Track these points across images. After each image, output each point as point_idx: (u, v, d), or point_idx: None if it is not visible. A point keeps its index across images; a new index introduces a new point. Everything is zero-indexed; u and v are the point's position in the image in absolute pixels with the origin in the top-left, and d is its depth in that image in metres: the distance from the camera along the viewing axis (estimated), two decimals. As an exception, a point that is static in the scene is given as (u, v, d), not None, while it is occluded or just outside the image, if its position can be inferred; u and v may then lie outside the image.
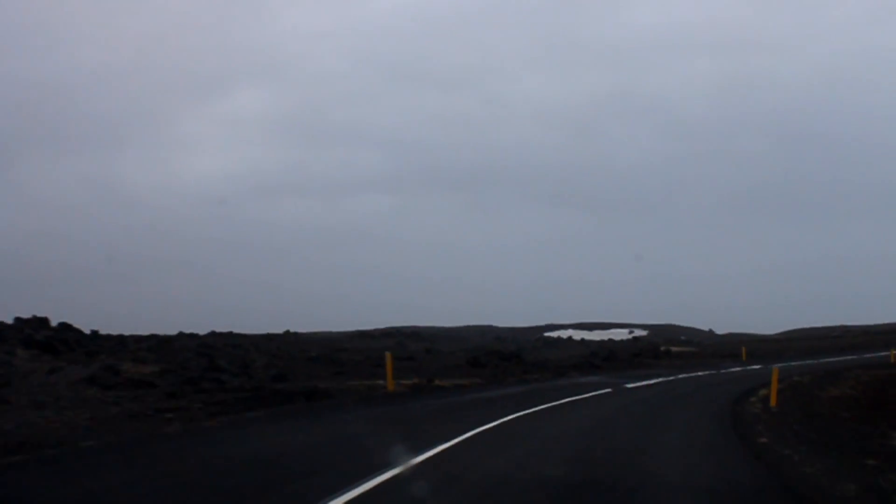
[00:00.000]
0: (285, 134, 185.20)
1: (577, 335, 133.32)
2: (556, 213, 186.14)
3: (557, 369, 46.28)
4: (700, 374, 43.06)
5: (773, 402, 24.04)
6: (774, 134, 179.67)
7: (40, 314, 48.30)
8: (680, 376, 40.67)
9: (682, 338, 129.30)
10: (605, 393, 30.06)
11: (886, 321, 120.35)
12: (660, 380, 37.73)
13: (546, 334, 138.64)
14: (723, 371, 45.62)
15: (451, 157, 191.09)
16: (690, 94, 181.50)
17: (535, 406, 23.66)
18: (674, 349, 79.33)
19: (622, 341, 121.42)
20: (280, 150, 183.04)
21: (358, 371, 39.33)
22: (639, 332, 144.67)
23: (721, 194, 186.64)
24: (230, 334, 70.07)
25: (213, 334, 67.72)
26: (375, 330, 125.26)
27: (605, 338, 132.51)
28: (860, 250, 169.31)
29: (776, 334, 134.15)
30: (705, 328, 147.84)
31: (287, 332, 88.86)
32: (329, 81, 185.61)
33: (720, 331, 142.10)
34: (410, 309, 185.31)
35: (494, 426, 18.49)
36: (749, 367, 49.25)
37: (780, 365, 51.01)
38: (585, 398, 27.51)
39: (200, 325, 78.20)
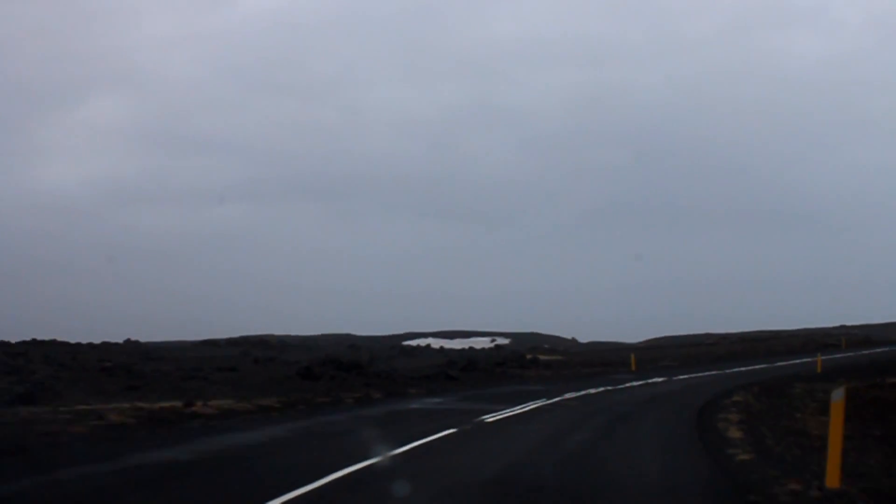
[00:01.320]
0: (144, 142, 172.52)
1: (439, 343, 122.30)
2: (419, 222, 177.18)
3: (402, 383, 33.87)
4: (592, 391, 28.74)
5: (830, 480, 9.53)
6: (632, 147, 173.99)
7: None
8: (567, 396, 26.16)
9: (546, 346, 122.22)
10: (447, 438, 15.21)
11: (753, 329, 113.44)
12: (538, 403, 23.16)
13: (406, 343, 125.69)
14: (620, 387, 31.41)
15: (313, 167, 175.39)
16: (549, 107, 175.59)
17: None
18: (542, 357, 65.55)
19: (483, 350, 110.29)
20: (139, 158, 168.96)
21: (156, 386, 30.40)
22: (501, 341, 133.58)
23: (582, 206, 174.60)
24: (52, 342, 60.82)
25: (32, 342, 58.34)
26: (223, 339, 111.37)
27: (467, 346, 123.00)
28: (716, 262, 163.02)
29: (641, 342, 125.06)
30: (568, 336, 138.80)
31: (128, 341, 79.45)
32: (189, 89, 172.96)
33: (584, 339, 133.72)
34: (271, 317, 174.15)
35: None
36: (651, 381, 35.34)
37: (684, 377, 38.56)
38: (400, 457, 12.51)
39: (41, 332, 65.25)
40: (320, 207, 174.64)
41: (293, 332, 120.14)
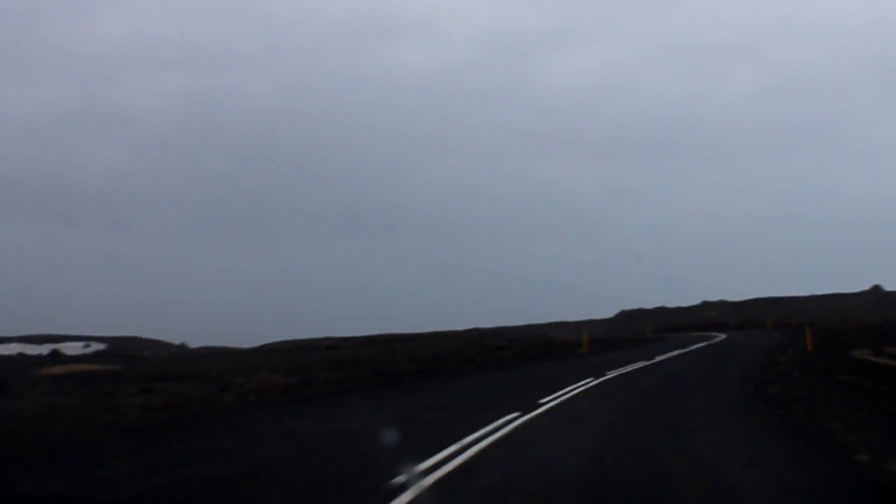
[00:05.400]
0: None
1: (25, 350, 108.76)
2: (24, 225, 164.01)
3: None
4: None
5: None
6: (244, 153, 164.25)
7: None
8: None
9: (147, 352, 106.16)
10: None
11: (376, 331, 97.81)
12: None
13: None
14: None
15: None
16: (159, 110, 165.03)
17: None
18: (51, 372, 35.71)
19: (39, 356, 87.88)
20: None
21: None
22: (98, 346, 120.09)
23: (195, 211, 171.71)
24: None
25: None
26: None
27: (48, 351, 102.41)
28: (330, 267, 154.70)
29: (254, 347, 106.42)
30: (177, 341, 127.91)
31: None
32: None
33: (195, 344, 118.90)
34: None
35: None
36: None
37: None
38: None
39: None
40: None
41: None
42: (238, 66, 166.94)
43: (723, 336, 57.36)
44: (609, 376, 22.19)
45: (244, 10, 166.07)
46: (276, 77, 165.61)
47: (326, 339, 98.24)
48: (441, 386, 20.95)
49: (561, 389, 17.64)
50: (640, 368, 25.81)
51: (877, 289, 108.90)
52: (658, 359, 31.09)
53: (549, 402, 15.22)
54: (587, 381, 20.17)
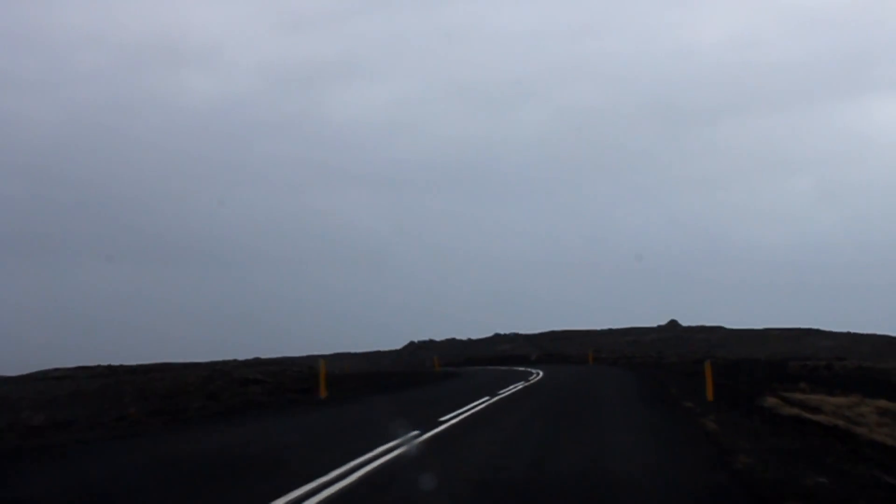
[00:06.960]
0: None
1: None
2: None
3: None
4: None
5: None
6: (24, 176, 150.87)
7: None
8: None
9: None
10: None
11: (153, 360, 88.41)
12: None
13: None
14: None
15: None
16: None
17: None
18: None
19: None
20: None
21: None
22: None
23: None
24: None
25: None
26: None
27: None
28: (105, 292, 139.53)
29: (19, 375, 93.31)
30: None
31: None
32: None
33: None
34: None
35: None
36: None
37: None
38: None
39: None
40: None
41: None
42: (20, 89, 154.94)
43: (538, 373, 45.59)
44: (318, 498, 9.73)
45: (25, 31, 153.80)
46: (61, 101, 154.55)
47: (97, 367, 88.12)
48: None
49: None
50: (403, 463, 12.58)
51: (674, 323, 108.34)
52: (449, 421, 18.23)
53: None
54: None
